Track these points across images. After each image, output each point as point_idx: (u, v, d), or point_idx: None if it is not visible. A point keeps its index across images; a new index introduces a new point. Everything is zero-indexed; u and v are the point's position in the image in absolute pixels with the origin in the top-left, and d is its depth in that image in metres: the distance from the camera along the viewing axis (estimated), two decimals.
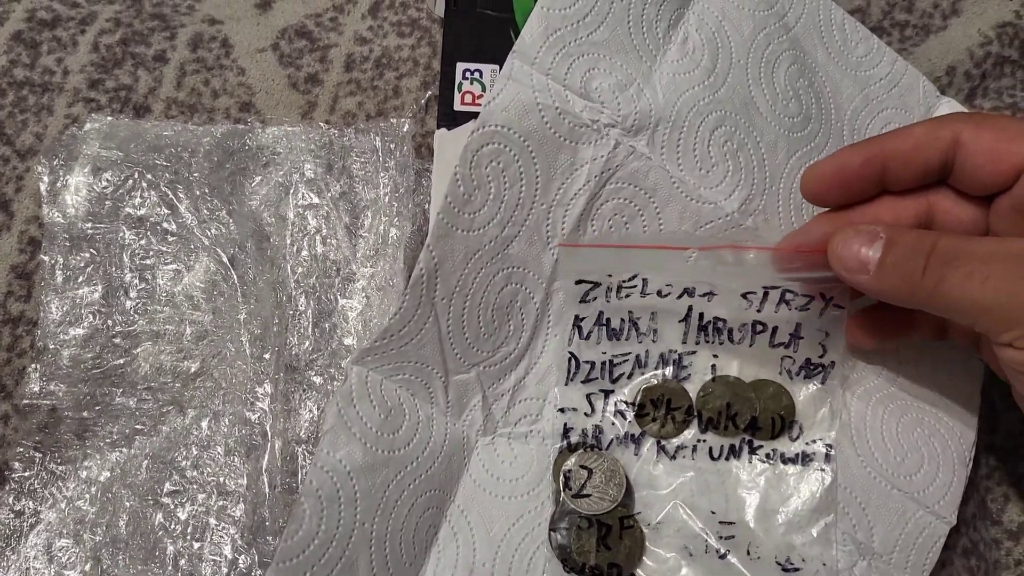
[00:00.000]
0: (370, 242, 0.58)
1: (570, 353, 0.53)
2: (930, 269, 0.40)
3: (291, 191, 0.59)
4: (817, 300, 0.51)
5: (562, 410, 0.53)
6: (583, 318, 0.53)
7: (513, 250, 0.52)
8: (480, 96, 0.59)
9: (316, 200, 0.59)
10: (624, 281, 0.52)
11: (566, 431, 0.53)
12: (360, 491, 0.47)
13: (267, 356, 0.54)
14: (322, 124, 0.62)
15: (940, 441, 0.52)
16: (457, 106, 0.60)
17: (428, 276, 0.49)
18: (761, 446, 0.53)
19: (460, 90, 0.60)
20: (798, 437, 0.53)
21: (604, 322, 0.53)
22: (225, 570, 0.50)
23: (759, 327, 0.53)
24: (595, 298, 0.53)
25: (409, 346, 0.49)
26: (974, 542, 0.52)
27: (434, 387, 0.51)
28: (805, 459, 0.52)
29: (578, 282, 0.52)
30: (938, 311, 0.43)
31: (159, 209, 0.57)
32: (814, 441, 0.52)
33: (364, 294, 0.57)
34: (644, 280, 0.52)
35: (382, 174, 0.59)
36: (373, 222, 0.59)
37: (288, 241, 0.58)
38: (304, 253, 0.58)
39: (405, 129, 0.60)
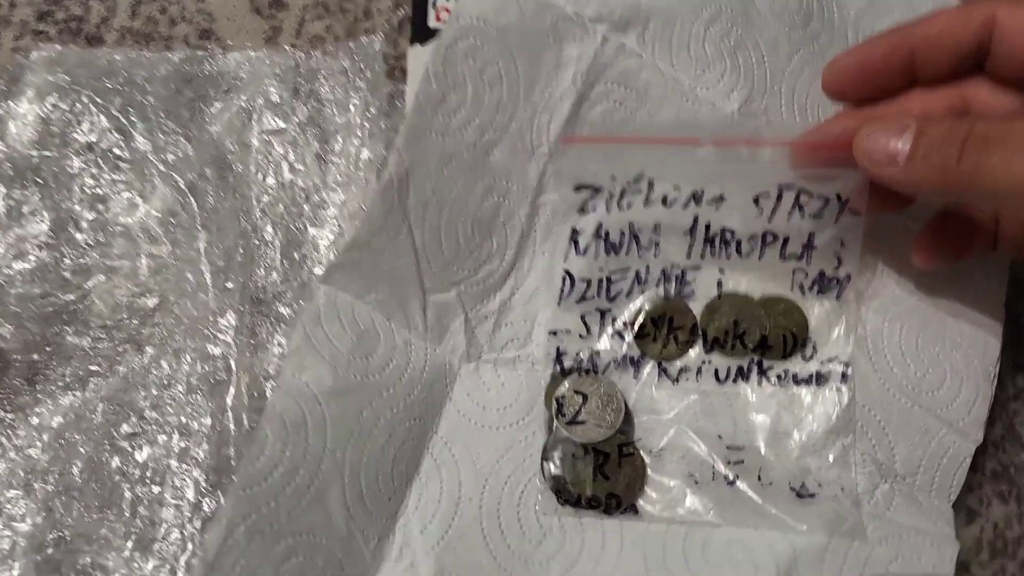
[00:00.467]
0: (341, 168, 0.54)
1: (564, 270, 0.49)
2: (966, 156, 0.36)
3: (255, 116, 0.55)
4: (833, 203, 0.46)
5: (554, 332, 0.48)
6: (580, 231, 0.48)
7: (494, 159, 0.47)
8: None
9: (282, 125, 0.55)
10: (629, 183, 0.47)
11: (559, 355, 0.48)
12: (330, 417, 0.42)
13: (230, 286, 0.49)
14: (287, 48, 0.57)
15: (963, 355, 0.48)
16: (432, 23, 0.56)
17: (399, 181, 0.44)
18: (772, 367, 0.48)
19: (435, 6, 0.56)
20: (812, 357, 0.48)
21: (603, 235, 0.49)
22: (188, 514, 0.46)
23: (769, 238, 0.48)
24: (595, 208, 0.48)
25: (381, 259, 0.45)
26: (1004, 465, 0.48)
27: (411, 308, 0.46)
28: (820, 380, 0.48)
29: (577, 188, 0.48)
30: (976, 198, 0.40)
31: (110, 135, 0.52)
32: (829, 360, 0.48)
33: (336, 223, 0.53)
34: (650, 182, 0.47)
35: (353, 96, 0.55)
36: (344, 147, 0.54)
37: (252, 168, 0.54)
38: (270, 181, 0.53)
39: (376, 48, 0.55)
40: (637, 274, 0.49)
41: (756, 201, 0.47)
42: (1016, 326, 0.52)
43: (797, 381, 0.48)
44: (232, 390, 0.48)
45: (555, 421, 0.47)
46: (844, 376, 0.47)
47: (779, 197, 0.47)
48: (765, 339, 0.47)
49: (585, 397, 0.47)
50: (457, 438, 0.47)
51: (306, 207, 0.53)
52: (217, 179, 0.53)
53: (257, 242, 0.52)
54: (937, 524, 0.45)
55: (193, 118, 0.54)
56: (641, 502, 0.47)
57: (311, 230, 0.53)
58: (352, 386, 0.43)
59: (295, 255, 0.52)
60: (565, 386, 0.48)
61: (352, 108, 0.55)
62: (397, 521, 0.45)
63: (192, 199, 0.52)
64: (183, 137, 0.53)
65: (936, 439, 0.47)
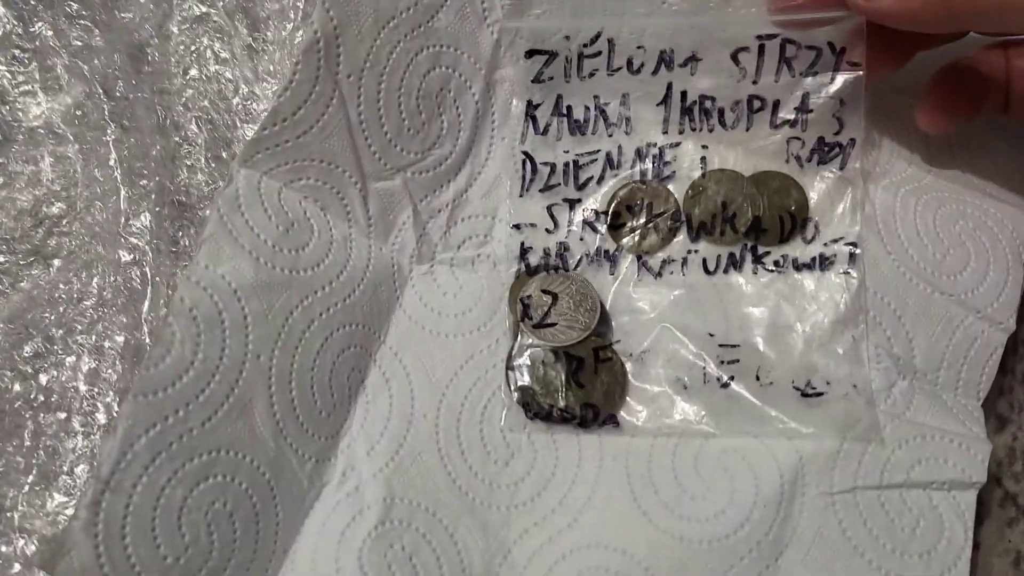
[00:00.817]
0: (274, 58, 0.47)
1: (524, 153, 0.42)
2: None
3: (175, 2, 0.47)
4: (826, 53, 0.39)
5: (517, 227, 0.42)
6: (537, 105, 0.42)
7: (440, 23, 0.40)
8: None
9: (206, 10, 0.47)
10: (586, 45, 0.40)
11: (523, 252, 0.41)
12: (252, 315, 0.35)
13: (144, 183, 0.42)
14: None
15: (988, 234, 0.41)
16: None
17: (326, 43, 0.37)
18: (768, 252, 0.42)
19: None
20: (813, 238, 0.42)
21: (564, 111, 0.42)
22: (98, 444, 0.38)
23: (756, 103, 0.42)
24: (551, 77, 0.42)
25: (309, 136, 0.38)
26: None
27: (349, 197, 0.39)
28: (824, 263, 0.41)
29: (529, 53, 0.41)
30: (985, 20, 0.35)
31: (7, 23, 0.45)
32: (834, 241, 0.41)
33: None
34: (610, 43, 0.41)
35: None
36: (276, 34, 0.47)
37: (173, 60, 0.47)
38: (193, 73, 0.47)
39: None
40: (608, 156, 0.42)
41: (735, 58, 0.41)
42: None
43: (798, 267, 0.41)
44: (148, 302, 0.41)
45: (521, 325, 0.40)
46: (852, 258, 0.41)
47: (761, 51, 0.41)
48: (759, 221, 0.42)
49: (555, 297, 0.41)
50: (408, 348, 0.41)
51: (235, 100, 0.47)
52: (132, 71, 0.46)
53: (179, 140, 0.46)
54: (965, 425, 0.39)
55: (104, 2, 0.47)
56: (622, 413, 0.41)
57: (241, 126, 0.46)
58: (278, 281, 0.37)
59: (223, 154, 0.46)
60: (532, 286, 0.41)
61: None
62: (340, 441, 0.39)
63: (101, 91, 0.44)
64: (91, 23, 0.46)
65: (961, 328, 0.40)
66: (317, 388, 0.38)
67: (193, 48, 0.48)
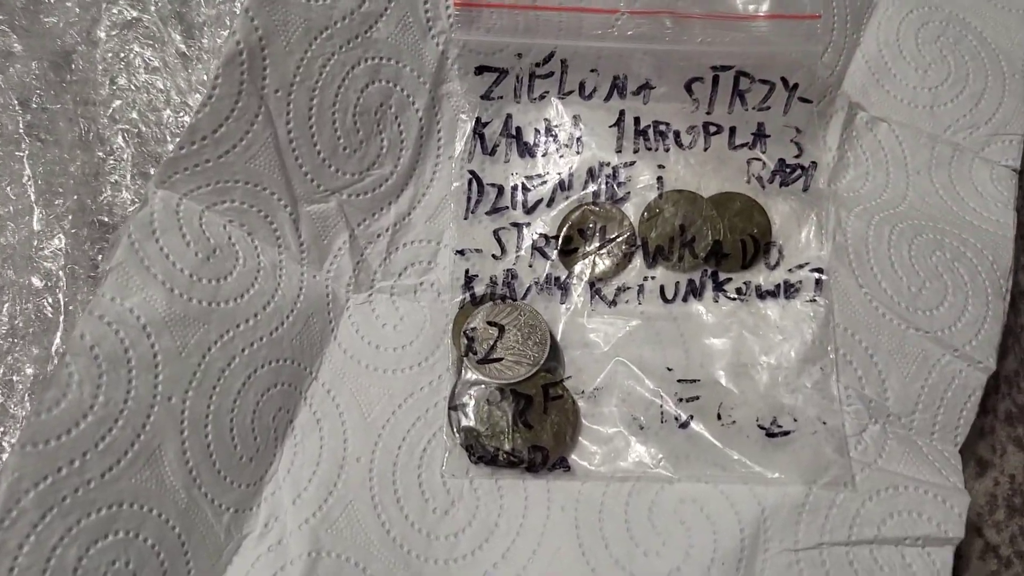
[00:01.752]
0: (211, 67, 0.43)
1: (470, 173, 0.39)
2: None
3: (103, 6, 0.43)
4: (779, 89, 0.37)
5: (462, 252, 0.38)
6: (486, 123, 0.39)
7: (379, 34, 0.37)
8: None
9: (137, 15, 0.44)
10: (538, 64, 0.38)
11: (468, 280, 0.38)
12: (163, 352, 0.32)
13: (60, 203, 0.39)
14: None
15: (967, 266, 0.38)
16: None
17: (250, 54, 0.34)
18: (729, 279, 0.39)
19: None
20: (778, 264, 0.39)
21: (514, 132, 0.39)
22: None
23: (712, 128, 0.38)
24: (501, 96, 0.39)
25: (232, 155, 0.35)
26: (1020, 406, 0.39)
27: (278, 221, 0.36)
28: (789, 290, 0.38)
29: (479, 70, 0.38)
30: None
31: None
32: (799, 267, 0.38)
33: None
34: (563, 64, 0.38)
35: None
36: (212, 42, 0.44)
37: (100, 68, 0.43)
38: (121, 82, 0.43)
39: None
40: (559, 177, 0.39)
41: (688, 88, 0.39)
42: None
43: (761, 294, 0.39)
44: (60, 333, 0.38)
45: (465, 360, 0.37)
46: (818, 284, 0.38)
47: (715, 82, 0.40)
48: (720, 245, 0.39)
49: (501, 329, 0.37)
50: (343, 384, 0.37)
51: (166, 113, 0.43)
52: (52, 78, 0.43)
53: (103, 154, 0.42)
54: (942, 474, 0.36)
55: (26, 6, 0.43)
56: (574, 456, 0.38)
57: (172, 140, 0.43)
58: (195, 314, 0.33)
59: (151, 170, 0.42)
60: (477, 317, 0.37)
61: None
62: (263, 488, 0.35)
63: (16, 102, 0.41)
64: (8, 28, 0.43)
65: (937, 368, 0.37)
66: (238, 431, 0.35)
67: (122, 55, 0.45)
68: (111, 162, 0.43)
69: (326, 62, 0.37)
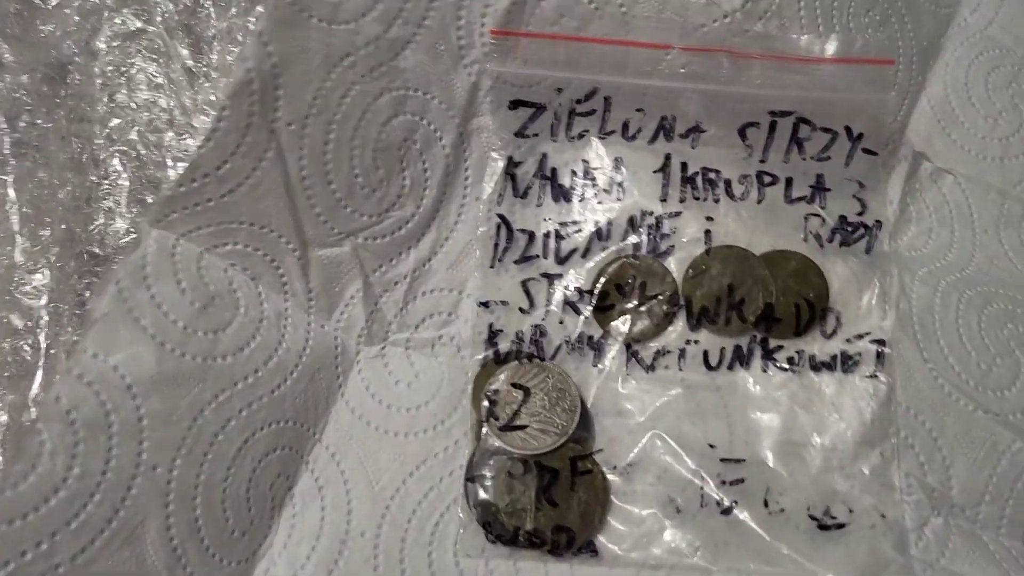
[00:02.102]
0: (219, 85, 0.40)
1: (499, 217, 0.35)
2: None
3: (105, 14, 0.40)
4: (842, 138, 0.33)
5: (486, 304, 0.34)
6: (519, 163, 0.35)
7: (406, 62, 0.34)
8: None
9: (141, 26, 0.40)
10: (579, 101, 0.34)
11: (492, 335, 0.35)
12: (149, 416, 0.28)
13: (46, 232, 0.35)
14: None
15: None
16: None
17: (262, 84, 0.30)
18: (781, 347, 0.35)
19: None
20: (835, 332, 0.35)
21: (549, 173, 0.35)
22: None
23: (767, 178, 0.34)
24: (536, 133, 0.35)
25: (237, 196, 0.31)
26: None
27: (285, 266, 0.32)
28: (847, 363, 0.34)
29: (513, 104, 0.34)
30: None
31: None
32: (859, 337, 0.35)
33: None
34: (607, 101, 0.34)
35: None
36: (222, 57, 0.40)
37: (98, 82, 0.39)
38: (121, 98, 0.39)
39: None
40: (597, 226, 0.35)
41: (742, 133, 0.36)
42: None
43: (815, 366, 0.35)
44: (40, 378, 0.34)
45: (485, 426, 0.33)
46: (880, 357, 0.35)
47: (772, 128, 0.36)
48: (771, 308, 0.36)
49: (527, 392, 0.34)
50: (349, 448, 0.34)
51: (168, 135, 0.40)
52: (46, 92, 0.39)
53: (96, 178, 0.38)
54: (1009, 575, 0.31)
55: (21, 13, 0.39)
56: (601, 538, 0.34)
57: (173, 165, 0.39)
58: (188, 372, 0.30)
59: (148, 197, 0.38)
60: (501, 378, 0.34)
61: (235, 7, 0.41)
62: (256, 565, 0.31)
63: (1, 116, 0.37)
64: (0, 37, 0.39)
65: (1008, 455, 0.34)
66: (230, 503, 0.31)
67: (123, 70, 0.41)
68: (105, 187, 0.39)
69: (346, 92, 0.33)
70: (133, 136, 0.41)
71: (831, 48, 0.36)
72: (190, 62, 0.41)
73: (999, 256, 0.38)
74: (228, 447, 0.31)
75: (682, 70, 0.35)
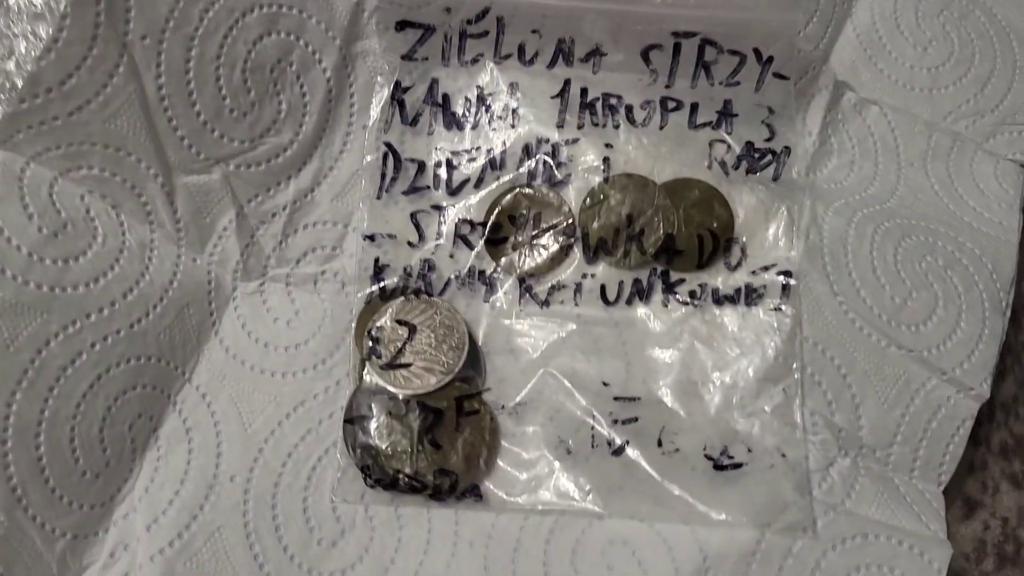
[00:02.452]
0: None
1: (385, 145, 0.32)
2: None
3: None
4: (750, 61, 0.32)
5: (371, 238, 0.33)
6: (407, 88, 0.33)
7: None
8: None
9: None
10: (470, 22, 0.32)
11: (378, 270, 0.33)
12: None
13: None
14: None
15: (961, 275, 0.34)
16: None
17: None
18: (682, 280, 0.34)
19: None
20: (739, 264, 0.33)
21: (440, 100, 0.33)
22: None
23: (671, 104, 0.32)
24: (426, 57, 0.33)
25: (86, 114, 0.29)
26: (1018, 437, 0.36)
27: (148, 193, 0.30)
28: (751, 296, 0.32)
29: (400, 25, 0.32)
30: None
31: None
32: (765, 269, 0.33)
33: None
34: (500, 21, 0.33)
35: None
36: None
37: None
38: (0, 25, 0.37)
39: None
40: (490, 155, 0.33)
41: (645, 57, 0.34)
42: None
43: (718, 299, 0.34)
44: None
45: (367, 364, 0.31)
46: (785, 290, 0.32)
47: (676, 50, 0.35)
48: (672, 240, 0.34)
49: (412, 329, 0.31)
50: (222, 388, 0.32)
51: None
52: None
53: None
54: (921, 519, 0.30)
55: None
56: (487, 482, 0.33)
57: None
58: (30, 300, 0.28)
59: None
60: (385, 315, 0.31)
61: None
62: (113, 510, 0.30)
63: None
64: None
65: (921, 394, 0.32)
66: (80, 441, 0.29)
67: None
68: None
69: (208, 6, 0.31)
70: (10, 67, 0.38)
71: None
72: None
73: (924, 190, 0.36)
74: (77, 382, 0.29)
75: None
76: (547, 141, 0.35)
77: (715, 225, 0.34)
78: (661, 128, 0.35)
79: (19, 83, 0.38)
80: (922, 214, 0.36)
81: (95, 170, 0.31)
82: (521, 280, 0.34)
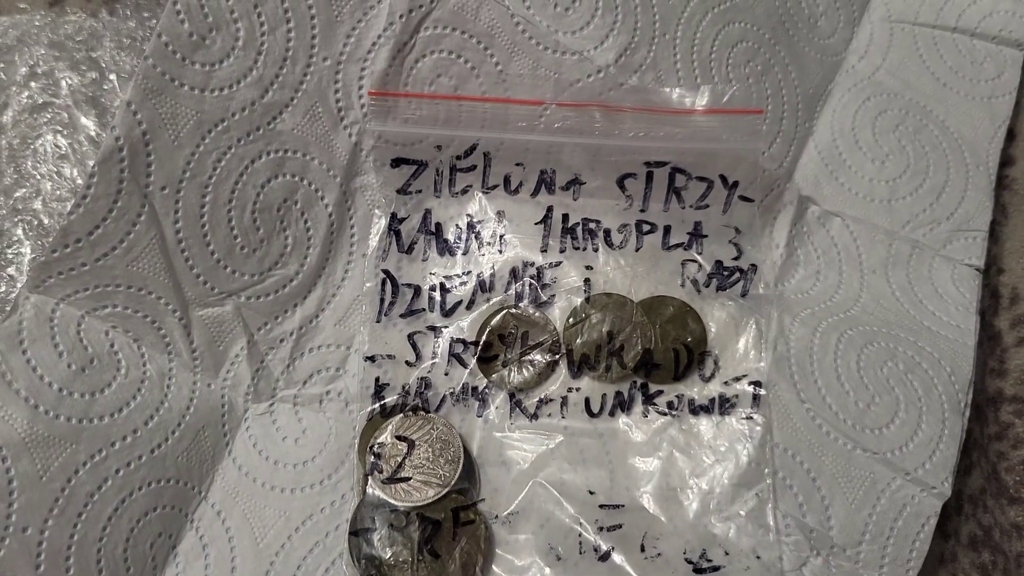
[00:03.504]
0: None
1: (384, 272, 0.35)
2: None
3: (12, 91, 0.41)
4: (717, 187, 0.34)
5: (372, 359, 0.35)
6: (403, 219, 0.36)
7: (284, 126, 0.35)
8: None
9: (48, 99, 0.41)
10: (459, 157, 0.35)
11: (379, 389, 0.35)
12: (19, 477, 0.29)
13: None
14: (72, 15, 0.44)
15: (921, 379, 0.35)
16: None
17: (131, 151, 0.31)
18: (660, 392, 0.36)
19: None
20: (713, 375, 0.36)
21: (433, 229, 0.36)
22: None
23: (646, 227, 0.35)
24: (419, 190, 0.36)
25: (112, 259, 0.32)
26: (985, 528, 0.35)
27: (167, 326, 0.33)
28: (724, 405, 0.35)
29: (395, 163, 0.35)
30: None
31: None
32: (736, 379, 0.35)
33: None
34: (486, 157, 0.36)
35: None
36: None
37: (4, 155, 0.40)
38: (26, 169, 0.40)
39: None
40: (480, 279, 0.36)
41: (621, 184, 0.37)
42: (995, 339, 0.39)
43: (695, 410, 0.36)
44: None
45: (370, 479, 0.33)
46: (756, 399, 0.34)
47: (649, 178, 0.37)
48: (650, 354, 0.35)
49: (411, 444, 0.34)
50: (235, 505, 0.34)
51: (71, 204, 0.40)
52: None
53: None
54: None
55: None
56: None
57: None
58: (63, 433, 0.30)
59: None
60: (386, 431, 0.34)
61: None
62: None
63: None
64: None
65: (887, 494, 0.34)
66: (106, 562, 0.31)
67: (28, 140, 0.42)
68: (8, 255, 0.40)
69: (221, 156, 0.34)
70: (37, 206, 0.42)
71: (702, 100, 0.37)
72: (94, 132, 0.42)
73: (885, 296, 0.39)
74: (104, 507, 0.32)
75: (558, 125, 0.36)
76: (532, 264, 0.38)
77: (689, 340, 0.37)
78: (637, 250, 0.38)
79: (45, 220, 0.42)
80: (884, 320, 0.38)
81: (119, 308, 0.34)
82: (511, 395, 0.37)
